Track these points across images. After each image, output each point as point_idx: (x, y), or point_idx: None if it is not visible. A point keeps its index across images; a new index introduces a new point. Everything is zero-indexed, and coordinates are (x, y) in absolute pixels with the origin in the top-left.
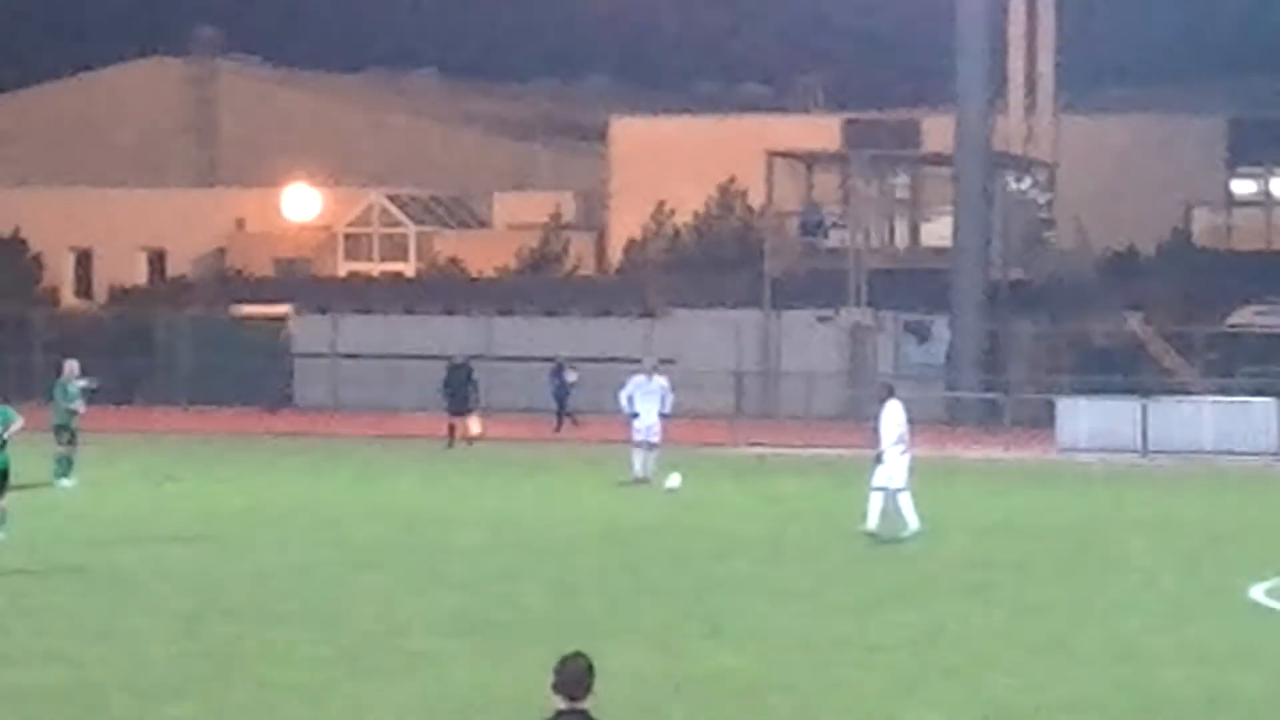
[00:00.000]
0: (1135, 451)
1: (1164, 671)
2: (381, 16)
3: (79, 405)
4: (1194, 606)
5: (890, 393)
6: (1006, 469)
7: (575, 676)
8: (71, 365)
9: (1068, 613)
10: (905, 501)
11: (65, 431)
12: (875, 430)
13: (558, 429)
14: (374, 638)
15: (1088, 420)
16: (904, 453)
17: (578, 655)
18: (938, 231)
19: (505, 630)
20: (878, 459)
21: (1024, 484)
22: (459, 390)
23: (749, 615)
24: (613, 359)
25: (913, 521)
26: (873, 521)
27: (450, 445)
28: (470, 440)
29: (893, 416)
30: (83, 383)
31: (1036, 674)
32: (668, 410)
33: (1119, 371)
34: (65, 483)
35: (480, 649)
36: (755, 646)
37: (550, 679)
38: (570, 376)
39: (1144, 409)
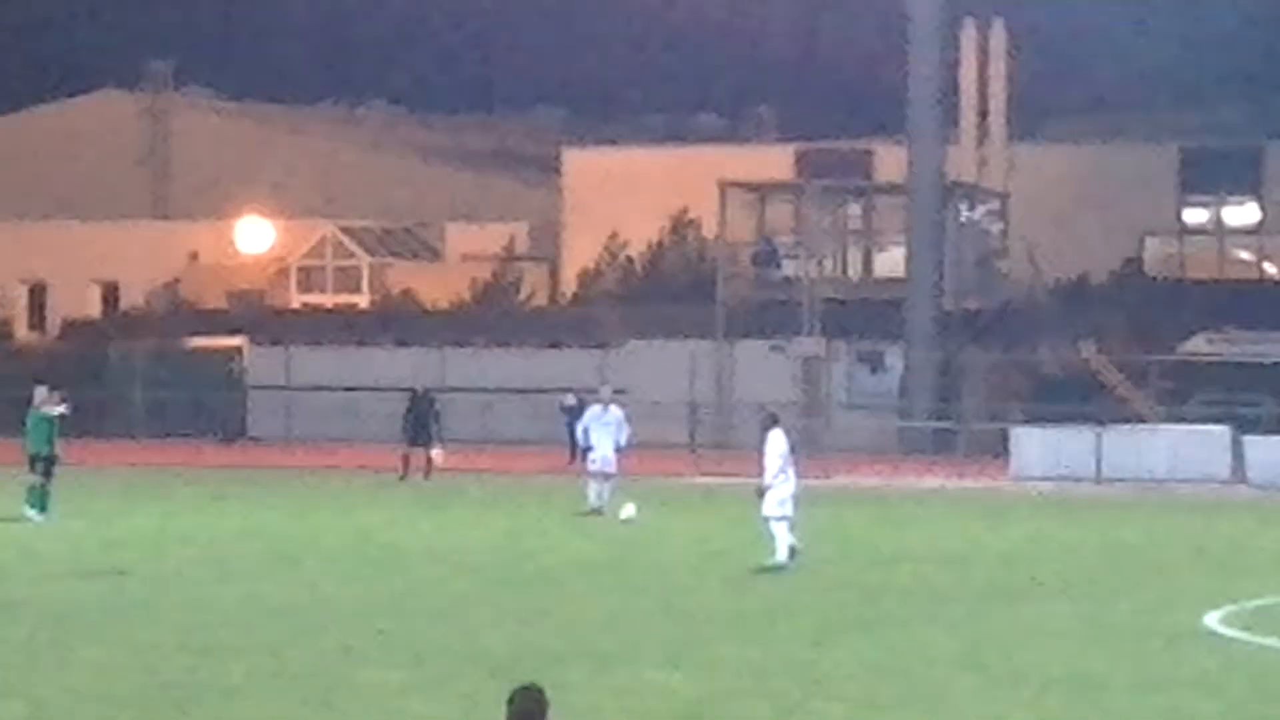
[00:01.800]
0: (1089, 480)
1: (1118, 699)
2: (335, 49)
3: (58, 419)
4: (1148, 634)
5: (774, 422)
6: (960, 498)
7: (528, 708)
8: (41, 392)
9: (1022, 641)
10: (781, 531)
11: (40, 462)
12: (760, 460)
13: (570, 462)
14: (328, 670)
15: (1041, 449)
16: (784, 481)
17: (530, 687)
18: (891, 261)
19: (459, 662)
20: (760, 490)
21: (977, 513)
22: (422, 420)
23: (703, 645)
24: (566, 390)
25: (782, 553)
26: (782, 553)
27: (403, 478)
28: (429, 472)
29: (775, 446)
30: (60, 409)
31: (991, 703)
32: (624, 442)
33: (1072, 400)
34: (34, 515)
35: (434, 681)
36: (710, 676)
37: (504, 711)
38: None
39: (1098, 437)
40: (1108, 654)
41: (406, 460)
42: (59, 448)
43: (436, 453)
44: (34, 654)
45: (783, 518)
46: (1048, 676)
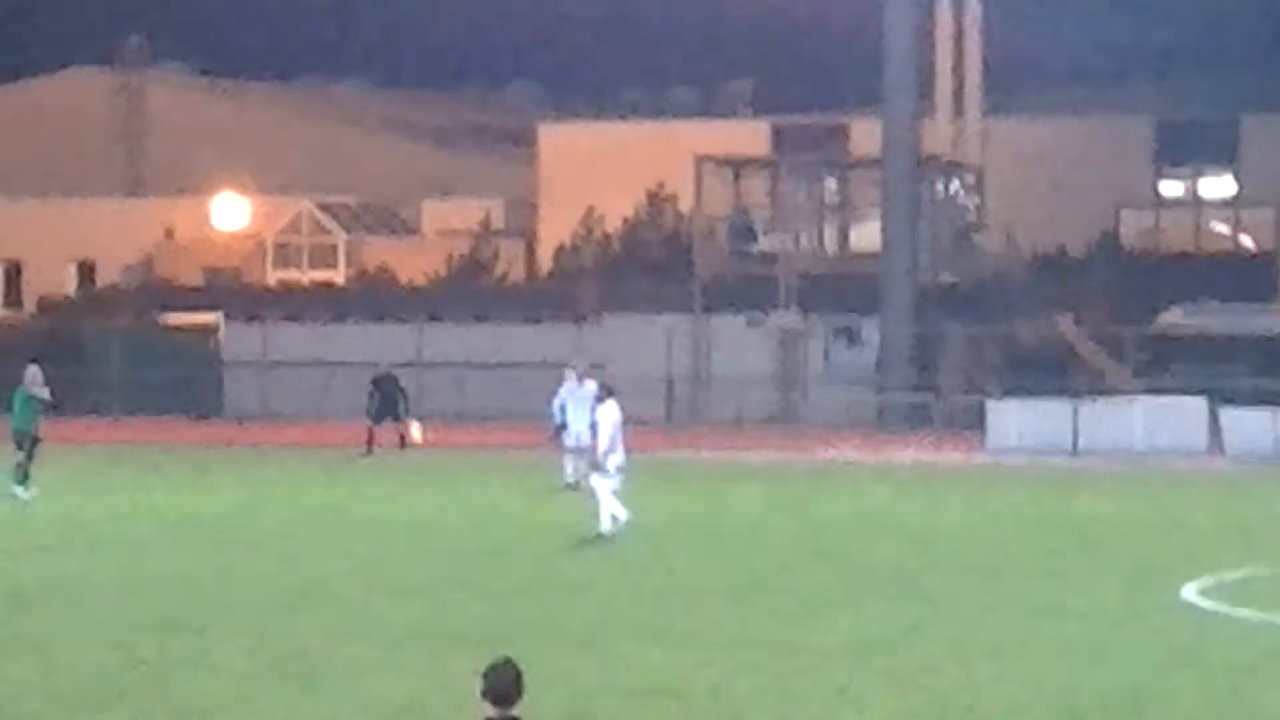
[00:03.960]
0: (1066, 453)
1: (1098, 671)
2: (310, 25)
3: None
4: (1127, 607)
5: (609, 393)
6: (937, 471)
7: (504, 683)
8: (33, 371)
9: (1001, 614)
10: (609, 500)
11: (26, 438)
12: (593, 432)
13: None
14: (304, 647)
15: (1018, 422)
16: (613, 453)
17: (506, 662)
18: (867, 235)
19: (436, 638)
20: (594, 463)
21: (955, 486)
22: (389, 400)
23: (682, 619)
24: (543, 365)
25: (606, 522)
26: (606, 522)
27: (368, 453)
28: (403, 444)
29: (608, 417)
30: (45, 395)
31: (970, 676)
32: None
33: (1049, 373)
34: (20, 491)
35: (411, 657)
36: (688, 651)
37: (479, 686)
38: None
39: (1074, 410)
40: (1086, 627)
41: (371, 436)
42: (40, 429)
43: (416, 427)
44: (9, 631)
45: (613, 488)
46: (1026, 650)
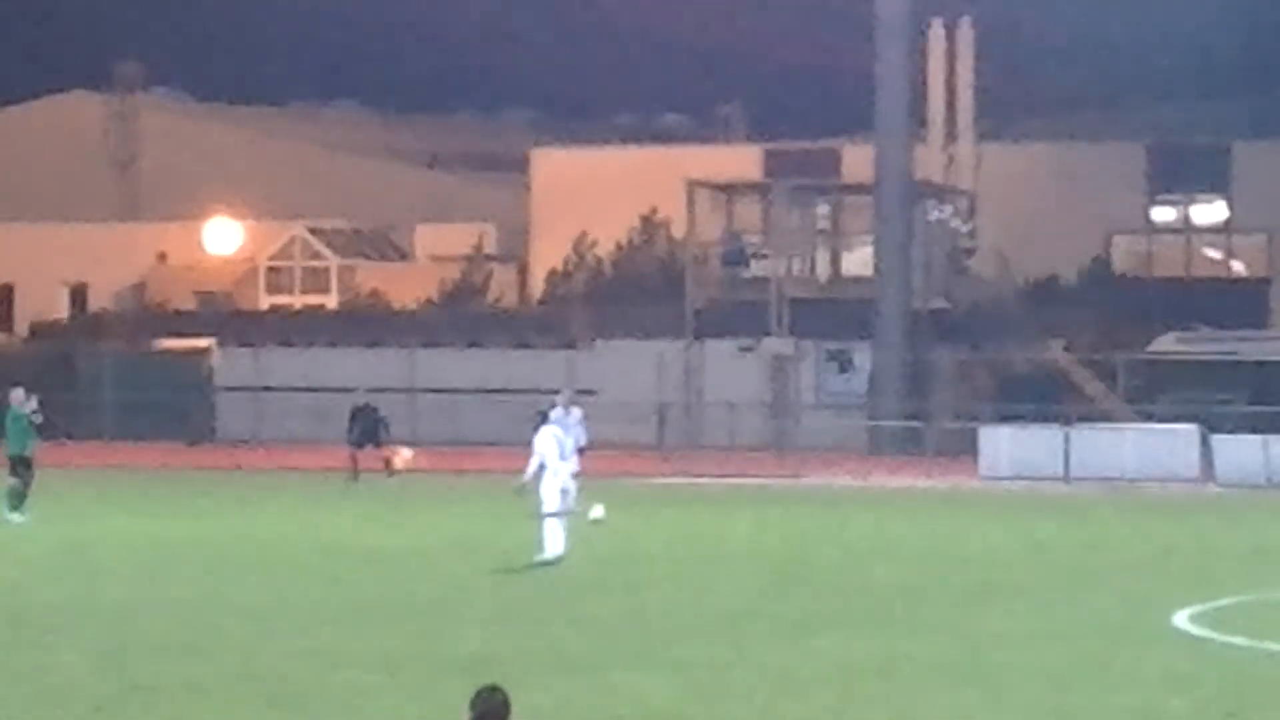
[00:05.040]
0: (1057, 479)
1: (1088, 698)
2: (303, 50)
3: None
4: (1118, 633)
5: (544, 419)
6: (929, 497)
7: (492, 711)
8: (18, 394)
9: (991, 640)
10: (551, 527)
11: (21, 463)
12: (533, 455)
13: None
14: (295, 672)
15: (1010, 448)
16: (555, 476)
17: (494, 689)
18: (859, 261)
19: (428, 664)
20: (522, 489)
21: (947, 512)
22: (368, 431)
23: (674, 645)
24: (535, 391)
25: (550, 548)
26: (551, 548)
27: (355, 478)
28: (392, 471)
29: (545, 443)
30: (35, 416)
31: (962, 702)
32: (584, 443)
33: (1041, 399)
34: (15, 517)
35: (404, 683)
36: (680, 677)
37: (467, 714)
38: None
39: (1066, 436)
40: (1077, 653)
41: (355, 461)
42: (33, 451)
43: (404, 453)
44: (4, 656)
45: (554, 513)
46: (1017, 676)
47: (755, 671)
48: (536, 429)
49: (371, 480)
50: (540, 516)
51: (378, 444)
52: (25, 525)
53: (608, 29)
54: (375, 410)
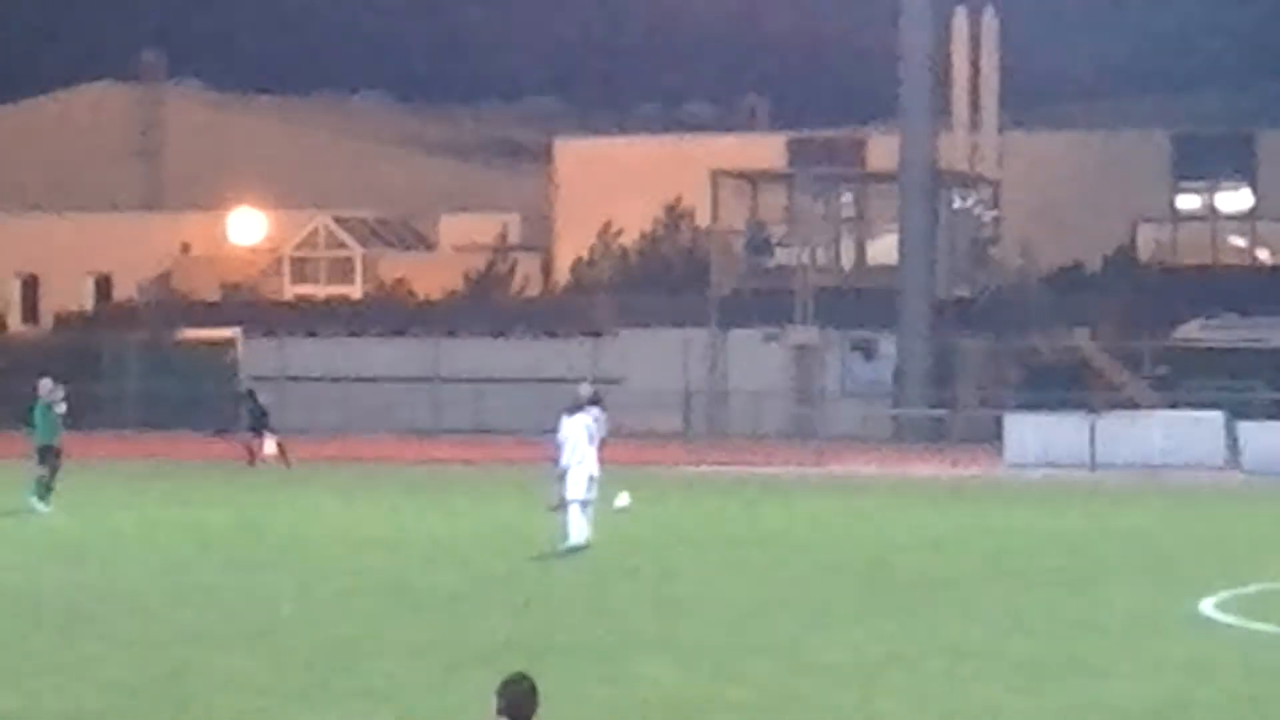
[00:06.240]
0: (1083, 467)
1: (1117, 685)
2: (327, 40)
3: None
4: (1145, 620)
5: (579, 407)
6: (954, 485)
7: (519, 698)
8: (46, 384)
9: (1017, 628)
10: (575, 514)
11: (49, 453)
12: (558, 445)
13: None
14: (324, 662)
15: (1036, 436)
16: (580, 464)
17: (521, 677)
18: (883, 249)
19: (453, 653)
20: (562, 475)
21: (972, 500)
22: (255, 414)
23: (699, 634)
24: (560, 380)
25: (575, 535)
26: (575, 535)
27: (251, 464)
28: (258, 461)
29: (574, 430)
30: (60, 407)
31: (989, 690)
32: (604, 433)
33: (1066, 387)
34: (41, 507)
35: (429, 672)
36: (704, 665)
37: (494, 702)
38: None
39: (1092, 424)
40: (1104, 641)
41: (252, 449)
42: (61, 442)
43: (270, 441)
44: (29, 646)
45: (576, 500)
46: (1043, 664)
47: (780, 660)
48: (568, 415)
49: (397, 470)
50: (565, 505)
51: (262, 430)
52: (50, 515)
53: (632, 18)
54: (255, 396)
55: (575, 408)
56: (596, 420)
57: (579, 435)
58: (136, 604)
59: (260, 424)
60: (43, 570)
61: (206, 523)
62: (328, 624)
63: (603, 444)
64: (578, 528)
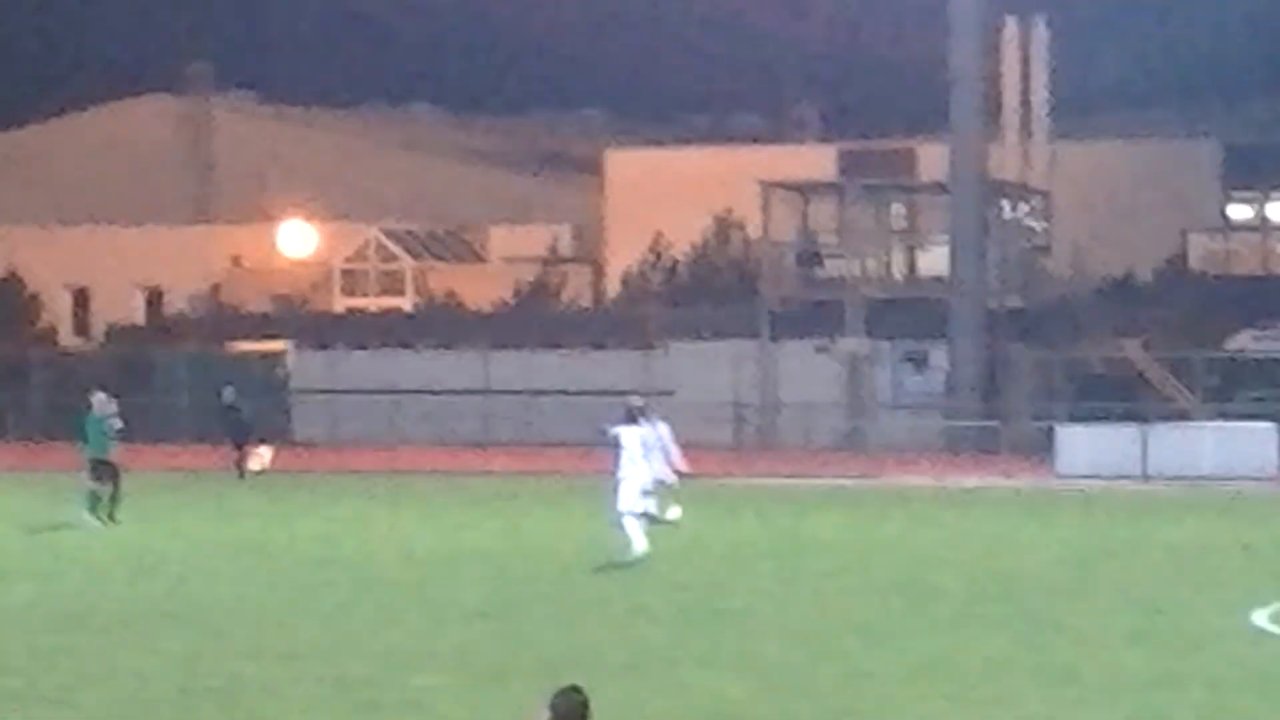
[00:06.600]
0: (1135, 477)
1: (1167, 697)
2: (377, 51)
3: (113, 434)
4: (1197, 632)
5: (633, 417)
6: (1005, 497)
7: (571, 711)
8: (100, 398)
9: (1069, 640)
10: (629, 525)
11: (103, 466)
12: (616, 454)
13: None
14: (374, 674)
15: (1087, 447)
16: (633, 476)
17: (574, 689)
18: (934, 260)
19: (505, 665)
20: (616, 487)
21: (1023, 511)
22: (238, 427)
23: (750, 645)
24: (610, 392)
25: (633, 546)
26: (632, 546)
27: (241, 476)
28: (245, 472)
29: (631, 440)
30: (116, 422)
31: (1039, 703)
32: (668, 445)
33: (1117, 398)
34: (90, 520)
35: (480, 684)
36: (757, 676)
37: (546, 714)
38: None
39: (1143, 435)
40: (1155, 652)
41: (240, 460)
42: (116, 456)
43: (264, 450)
44: (80, 659)
45: (635, 512)
46: (1095, 675)
47: (833, 672)
48: (623, 427)
49: (448, 481)
50: (620, 515)
51: (248, 440)
52: (106, 528)
53: (681, 29)
54: (238, 410)
55: (630, 419)
56: (655, 431)
57: (634, 447)
58: (185, 617)
59: (243, 435)
60: (92, 583)
61: (256, 536)
62: (378, 636)
63: (669, 455)
64: (634, 540)
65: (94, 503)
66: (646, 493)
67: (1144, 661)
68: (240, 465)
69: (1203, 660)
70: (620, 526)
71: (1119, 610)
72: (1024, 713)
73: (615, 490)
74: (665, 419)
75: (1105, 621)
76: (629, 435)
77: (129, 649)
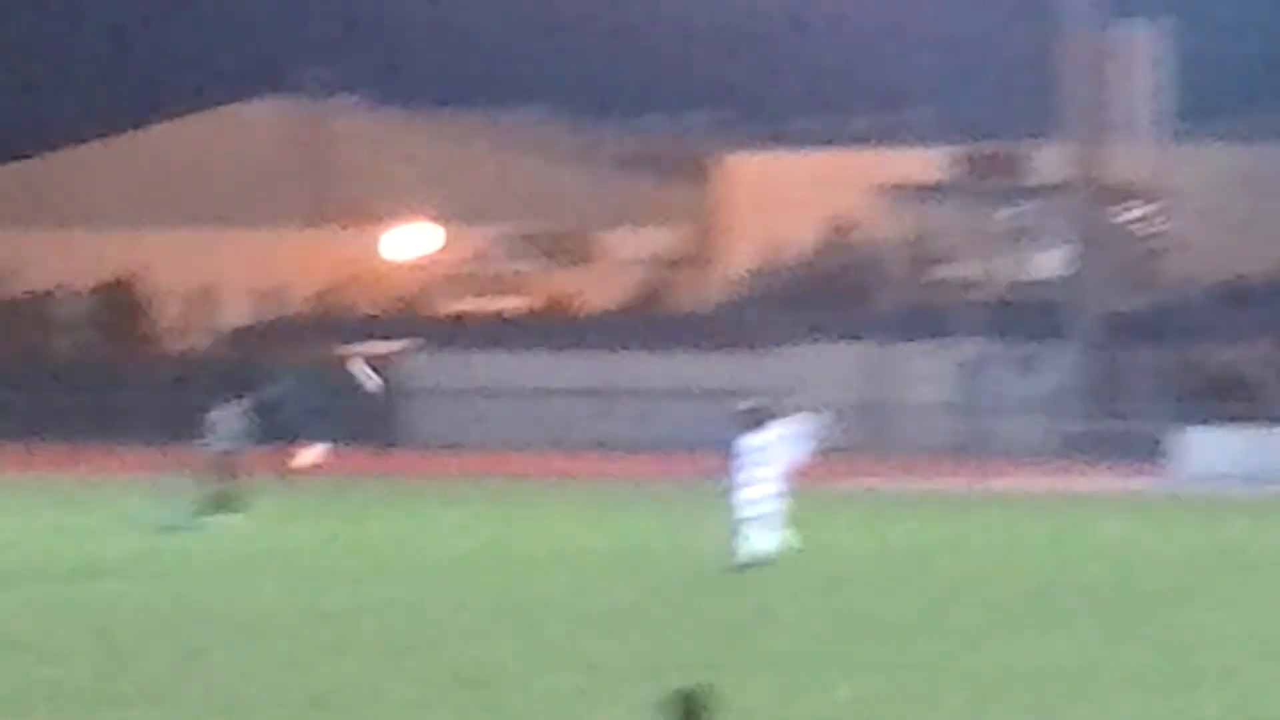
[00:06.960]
0: (1255, 481)
1: (1263, 702)
2: (491, 54)
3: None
4: None
5: (755, 421)
6: (1121, 500)
7: (691, 713)
8: (231, 407)
9: (1188, 646)
10: (749, 529)
11: (226, 465)
12: (735, 459)
13: None
14: (502, 675)
15: (1204, 450)
16: (752, 481)
17: (694, 692)
18: (1049, 263)
19: (630, 667)
20: (732, 489)
21: (1140, 515)
22: (280, 427)
23: (869, 648)
24: (726, 394)
25: (755, 548)
26: (754, 549)
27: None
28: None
29: (753, 444)
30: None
31: (1157, 708)
32: (803, 448)
33: (1235, 400)
34: (220, 519)
35: (607, 685)
36: (872, 679)
37: (665, 716)
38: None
39: (1261, 438)
40: (1271, 657)
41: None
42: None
43: (314, 451)
44: (175, 661)
45: (753, 516)
46: (1210, 680)
47: (948, 675)
48: (746, 430)
49: (566, 485)
50: (742, 520)
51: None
52: (230, 527)
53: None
54: (281, 408)
55: (751, 423)
56: (781, 436)
57: (754, 451)
58: (297, 619)
59: (285, 436)
60: (201, 584)
61: (374, 538)
62: (506, 637)
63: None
64: (755, 543)
65: (221, 503)
66: (768, 497)
67: (1259, 666)
68: (282, 468)
69: None
70: (744, 530)
71: (1236, 614)
72: (1151, 715)
73: (738, 493)
74: (794, 418)
75: (1221, 626)
76: (752, 439)
77: (239, 651)
